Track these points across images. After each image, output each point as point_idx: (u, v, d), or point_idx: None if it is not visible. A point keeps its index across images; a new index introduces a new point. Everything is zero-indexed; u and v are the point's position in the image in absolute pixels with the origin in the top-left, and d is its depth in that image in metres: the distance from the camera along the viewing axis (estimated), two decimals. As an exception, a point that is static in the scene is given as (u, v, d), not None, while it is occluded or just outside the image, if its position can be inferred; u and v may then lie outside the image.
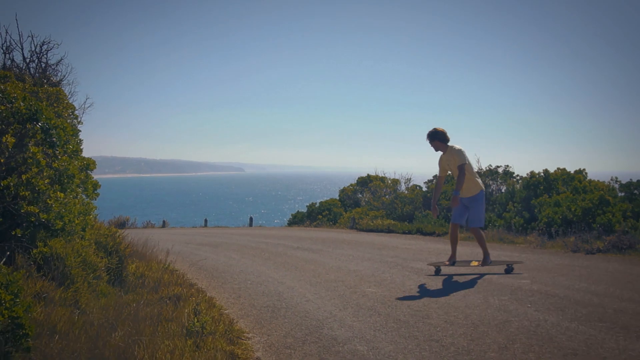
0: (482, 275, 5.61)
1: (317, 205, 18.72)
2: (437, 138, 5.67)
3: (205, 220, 21.84)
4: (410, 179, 17.94)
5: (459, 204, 5.69)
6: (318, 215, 17.80)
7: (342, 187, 19.67)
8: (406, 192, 16.00)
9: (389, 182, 18.67)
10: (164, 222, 24.13)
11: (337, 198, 19.66)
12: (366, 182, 18.46)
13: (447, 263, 5.86)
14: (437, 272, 5.79)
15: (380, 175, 18.88)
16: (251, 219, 19.18)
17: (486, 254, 5.76)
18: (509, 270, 5.63)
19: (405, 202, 15.20)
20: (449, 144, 5.68)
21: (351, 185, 19.17)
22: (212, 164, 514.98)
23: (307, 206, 18.97)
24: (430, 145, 5.78)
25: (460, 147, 5.60)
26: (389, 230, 12.22)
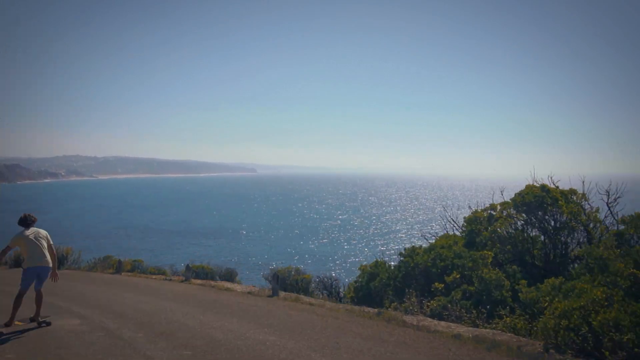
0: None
1: (422, 252, 8.46)
2: (19, 223, 6.99)
3: (187, 267, 11.68)
4: None
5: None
6: (435, 282, 7.58)
7: (468, 214, 9.27)
8: None
9: (580, 200, 8.35)
10: (119, 262, 14.05)
11: (460, 234, 9.37)
12: (542, 202, 8.06)
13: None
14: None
15: (560, 188, 8.50)
16: (276, 276, 8.96)
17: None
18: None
19: None
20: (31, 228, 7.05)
21: (497, 210, 8.71)
22: (225, 164, 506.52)
23: (400, 256, 8.60)
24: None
25: (23, 234, 6.92)
26: None
